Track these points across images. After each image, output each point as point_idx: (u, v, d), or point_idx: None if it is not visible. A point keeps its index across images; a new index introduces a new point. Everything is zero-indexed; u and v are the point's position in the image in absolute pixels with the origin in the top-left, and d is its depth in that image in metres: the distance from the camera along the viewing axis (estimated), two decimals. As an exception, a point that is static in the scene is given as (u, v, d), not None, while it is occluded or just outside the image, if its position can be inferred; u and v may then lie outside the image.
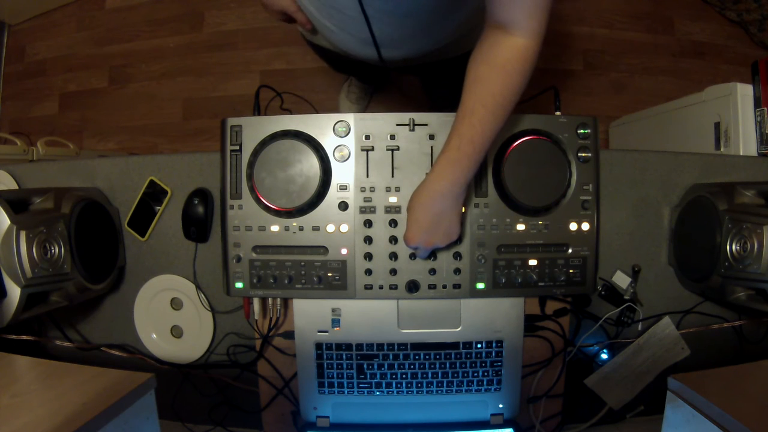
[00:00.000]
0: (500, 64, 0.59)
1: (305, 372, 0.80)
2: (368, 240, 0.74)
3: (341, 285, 0.74)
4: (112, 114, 1.97)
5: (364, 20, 0.73)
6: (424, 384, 0.79)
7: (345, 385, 0.80)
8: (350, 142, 0.74)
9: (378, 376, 0.79)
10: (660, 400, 0.62)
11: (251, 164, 0.73)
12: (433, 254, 0.74)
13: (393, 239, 0.74)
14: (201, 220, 0.87)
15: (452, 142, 0.62)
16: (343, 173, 0.74)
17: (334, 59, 0.73)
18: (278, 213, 0.73)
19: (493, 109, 0.60)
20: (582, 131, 0.73)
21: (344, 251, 0.74)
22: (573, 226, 0.74)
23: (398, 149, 0.74)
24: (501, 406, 0.81)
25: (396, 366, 0.79)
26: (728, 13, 1.81)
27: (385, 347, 0.78)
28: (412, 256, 0.74)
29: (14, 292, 0.69)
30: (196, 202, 0.86)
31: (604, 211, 0.86)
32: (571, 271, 0.74)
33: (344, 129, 0.74)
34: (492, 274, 0.74)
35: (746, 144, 1.15)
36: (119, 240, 0.90)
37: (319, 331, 0.79)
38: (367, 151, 0.74)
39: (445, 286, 0.75)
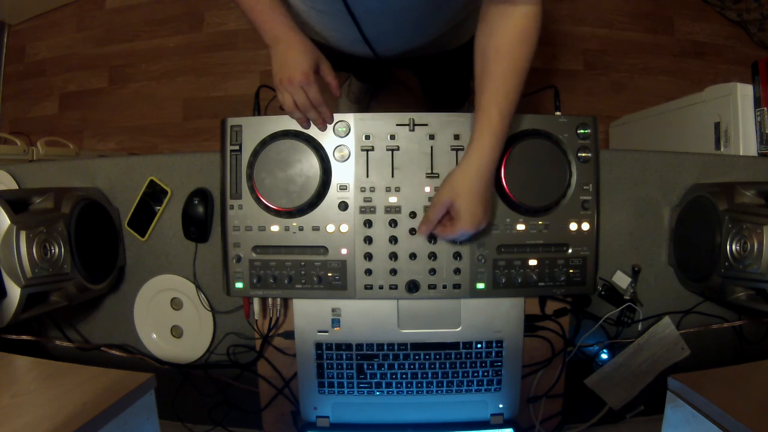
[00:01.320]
0: (518, 33, 0.61)
1: (305, 372, 0.80)
2: (368, 240, 0.74)
3: (341, 285, 0.74)
4: (112, 114, 1.97)
5: (352, 21, 0.73)
6: (424, 384, 0.79)
7: (345, 385, 0.80)
8: (350, 142, 0.74)
9: (378, 376, 0.79)
10: (660, 400, 0.62)
11: (251, 164, 0.73)
12: (433, 254, 0.74)
13: (393, 239, 0.74)
14: (201, 220, 0.87)
15: (493, 116, 0.63)
16: (343, 173, 0.74)
17: (332, 57, 0.73)
18: (278, 213, 0.73)
19: (521, 77, 0.62)
20: (582, 131, 0.73)
21: (344, 251, 0.74)
22: (573, 226, 0.74)
23: (398, 149, 0.74)
24: (501, 406, 0.81)
25: (396, 366, 0.79)
26: (728, 13, 1.81)
27: (385, 347, 0.78)
28: (412, 256, 0.74)
29: (14, 292, 0.69)
30: (196, 202, 0.86)
31: (604, 211, 0.86)
32: (571, 271, 0.74)
33: (344, 129, 0.74)
34: (492, 274, 0.74)
35: (746, 144, 1.15)
36: (119, 240, 0.90)
37: (319, 331, 0.79)
38: (367, 151, 0.74)
39: (445, 286, 0.75)
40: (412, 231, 0.74)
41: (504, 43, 0.62)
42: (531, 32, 0.62)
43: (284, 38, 0.69)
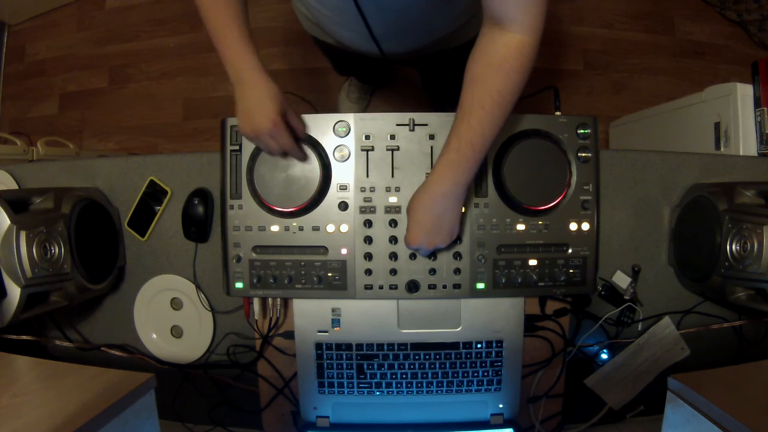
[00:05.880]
0: (497, 63, 0.58)
1: (305, 372, 0.80)
2: (368, 240, 0.74)
3: (341, 285, 0.74)
4: (112, 114, 1.97)
5: (361, 17, 0.73)
6: (424, 384, 0.79)
7: (345, 385, 0.80)
8: (350, 142, 0.74)
9: (378, 376, 0.79)
10: (660, 400, 0.62)
11: (251, 164, 0.73)
12: (433, 253, 0.74)
13: (393, 239, 0.74)
14: (201, 220, 0.87)
15: (451, 144, 0.62)
16: (343, 173, 0.74)
17: (339, 57, 0.73)
18: (278, 213, 0.73)
19: (492, 110, 0.59)
20: (582, 131, 0.73)
21: (344, 251, 0.74)
22: (573, 226, 0.74)
23: (398, 149, 0.74)
24: (501, 406, 0.81)
25: (396, 366, 0.79)
26: (728, 13, 1.81)
27: (385, 347, 0.78)
28: (412, 256, 0.74)
29: (14, 292, 0.69)
30: (196, 202, 0.86)
31: (604, 211, 0.86)
32: (571, 271, 0.74)
33: (344, 129, 0.74)
34: (492, 274, 0.74)
35: (746, 144, 1.15)
36: (119, 240, 0.90)
37: (319, 331, 0.79)
38: (367, 151, 0.74)
39: (445, 286, 0.74)
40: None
41: (480, 72, 0.59)
42: (512, 64, 0.57)
43: (250, 79, 0.65)
